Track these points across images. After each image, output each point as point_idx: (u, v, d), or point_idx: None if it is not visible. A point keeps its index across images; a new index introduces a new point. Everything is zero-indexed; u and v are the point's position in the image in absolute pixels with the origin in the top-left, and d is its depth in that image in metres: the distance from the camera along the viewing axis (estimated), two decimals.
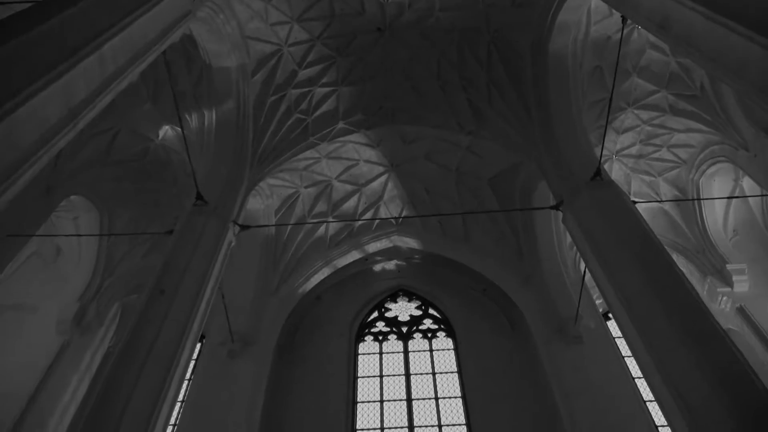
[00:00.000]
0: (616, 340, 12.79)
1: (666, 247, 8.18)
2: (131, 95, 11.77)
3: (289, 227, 14.68)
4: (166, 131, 12.86)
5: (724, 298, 12.81)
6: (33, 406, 11.12)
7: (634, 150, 13.95)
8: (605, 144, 11.09)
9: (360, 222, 15.19)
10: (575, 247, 12.83)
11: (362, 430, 12.30)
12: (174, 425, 11.64)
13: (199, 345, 13.17)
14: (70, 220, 13.14)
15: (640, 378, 11.75)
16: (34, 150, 4.77)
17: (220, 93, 11.46)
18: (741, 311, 12.52)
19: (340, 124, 13.26)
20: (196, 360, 13.08)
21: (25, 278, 12.95)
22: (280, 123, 12.48)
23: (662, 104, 12.56)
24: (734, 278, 12.72)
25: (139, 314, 7.47)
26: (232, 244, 9.73)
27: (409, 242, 15.47)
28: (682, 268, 7.80)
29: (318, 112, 12.98)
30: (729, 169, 12.98)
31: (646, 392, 11.54)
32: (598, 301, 13.58)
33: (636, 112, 13.01)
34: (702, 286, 13.12)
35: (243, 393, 11.75)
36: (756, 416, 5.98)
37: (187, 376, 12.41)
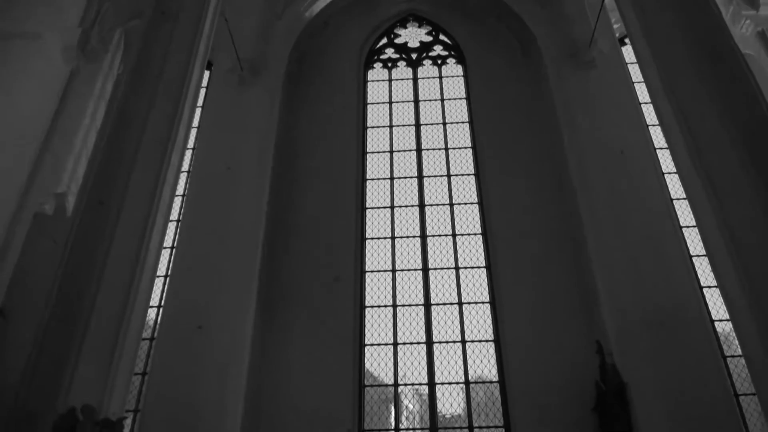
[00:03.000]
0: (628, 66, 12.60)
1: None
2: None
3: None
4: None
5: (747, 21, 12.27)
6: (55, 128, 11.51)
7: None
8: None
9: None
10: None
11: (372, 152, 12.88)
12: (192, 149, 12.17)
13: (208, 73, 13.13)
14: None
15: (647, 104, 11.84)
16: None
17: None
18: (761, 36, 12.11)
19: None
20: (207, 88, 13.14)
21: (21, 5, 12.43)
22: None
23: None
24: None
25: (144, 37, 7.33)
26: None
27: None
28: None
29: None
30: None
31: (651, 118, 11.71)
32: (615, 26, 13.07)
33: None
34: (726, 9, 12.45)
35: (255, 119, 12.03)
36: (758, 140, 6.15)
37: (199, 103, 12.62)
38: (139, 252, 6.23)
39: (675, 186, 10.92)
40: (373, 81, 14.15)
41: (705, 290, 10.18)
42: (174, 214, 11.18)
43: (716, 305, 9.98)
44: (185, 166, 11.60)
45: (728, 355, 9.67)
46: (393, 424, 10.09)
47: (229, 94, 12.52)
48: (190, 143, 12.01)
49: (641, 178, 10.49)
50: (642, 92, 11.87)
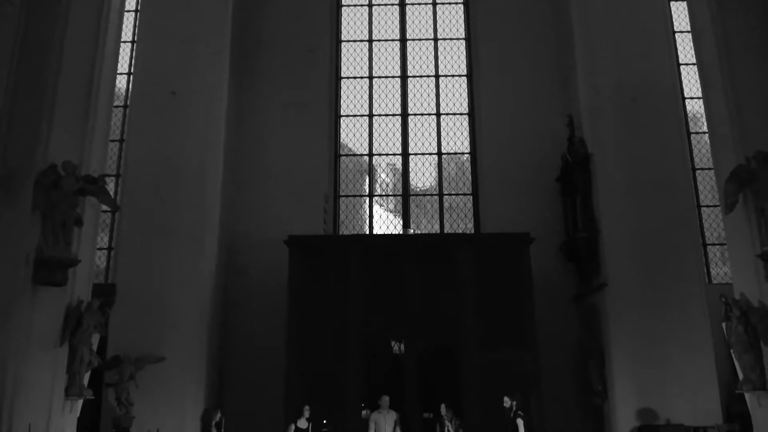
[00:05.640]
0: None
1: None
2: None
3: None
4: None
5: None
6: None
7: None
8: None
9: None
10: None
11: None
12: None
13: None
14: None
15: None
16: None
17: None
18: None
19: None
20: None
21: None
22: None
23: None
24: None
25: None
26: None
27: None
28: None
29: None
30: None
31: None
32: None
33: None
34: None
35: None
36: None
37: None
38: (101, 9, 5.86)
39: None
40: None
41: (681, 68, 10.18)
42: None
43: (690, 83, 10.05)
44: None
45: (693, 131, 10.00)
46: (367, 191, 10.56)
47: None
48: None
49: None
50: None
